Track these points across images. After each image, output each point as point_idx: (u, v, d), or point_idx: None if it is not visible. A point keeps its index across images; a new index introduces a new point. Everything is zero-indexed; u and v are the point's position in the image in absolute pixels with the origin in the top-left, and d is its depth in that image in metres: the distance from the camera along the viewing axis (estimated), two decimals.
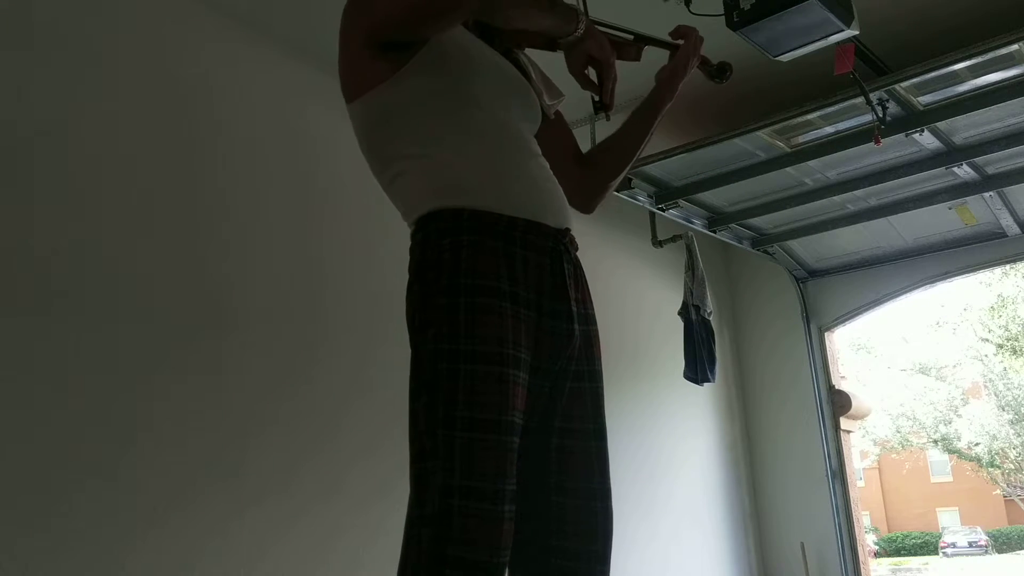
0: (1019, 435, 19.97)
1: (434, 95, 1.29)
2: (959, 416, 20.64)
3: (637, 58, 1.50)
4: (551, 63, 1.47)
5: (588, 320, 1.34)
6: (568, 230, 1.33)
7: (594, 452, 1.29)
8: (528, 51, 1.50)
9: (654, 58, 1.53)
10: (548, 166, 1.38)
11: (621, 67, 1.42)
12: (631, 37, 1.49)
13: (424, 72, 1.28)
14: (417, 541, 1.11)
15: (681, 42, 1.53)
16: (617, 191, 3.25)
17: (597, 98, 1.38)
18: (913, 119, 3.19)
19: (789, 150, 3.55)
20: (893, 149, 3.50)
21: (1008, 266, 10.30)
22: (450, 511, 1.09)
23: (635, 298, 4.16)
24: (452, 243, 1.21)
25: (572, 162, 1.53)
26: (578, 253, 1.37)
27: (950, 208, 4.08)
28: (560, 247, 1.30)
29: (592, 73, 1.38)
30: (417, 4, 1.23)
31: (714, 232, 4.30)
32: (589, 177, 1.53)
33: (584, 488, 1.27)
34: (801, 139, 3.48)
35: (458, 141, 1.28)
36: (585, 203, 1.55)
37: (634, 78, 1.61)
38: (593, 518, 1.26)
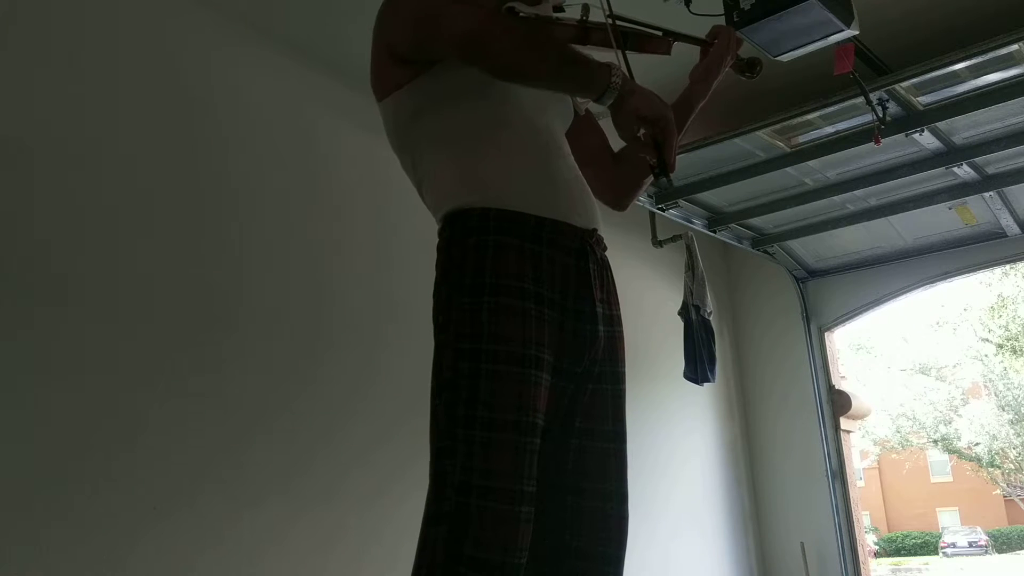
0: (1019, 435, 19.95)
1: (468, 93, 1.29)
2: (959, 416, 20.62)
3: (668, 52, 1.47)
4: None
5: (613, 321, 1.33)
6: (595, 230, 1.32)
7: (612, 454, 1.29)
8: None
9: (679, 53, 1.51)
10: (577, 166, 1.37)
11: (649, 60, 1.38)
12: (660, 33, 1.47)
13: (458, 70, 1.27)
14: (433, 539, 1.11)
15: (715, 41, 1.52)
16: None
17: (654, 161, 1.19)
18: (913, 119, 3.19)
19: (789, 150, 3.55)
20: (893, 149, 3.50)
21: (1008, 266, 10.29)
22: (467, 510, 1.09)
23: (635, 298, 4.15)
24: (478, 243, 1.21)
25: (605, 159, 1.52)
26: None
27: (950, 208, 4.08)
28: (586, 247, 1.29)
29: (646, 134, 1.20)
30: (415, 43, 1.27)
31: (714, 232, 4.30)
32: (622, 174, 1.52)
33: (601, 489, 1.27)
34: (801, 139, 3.48)
35: (488, 140, 1.28)
36: (618, 200, 1.54)
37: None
38: (607, 521, 1.26)
